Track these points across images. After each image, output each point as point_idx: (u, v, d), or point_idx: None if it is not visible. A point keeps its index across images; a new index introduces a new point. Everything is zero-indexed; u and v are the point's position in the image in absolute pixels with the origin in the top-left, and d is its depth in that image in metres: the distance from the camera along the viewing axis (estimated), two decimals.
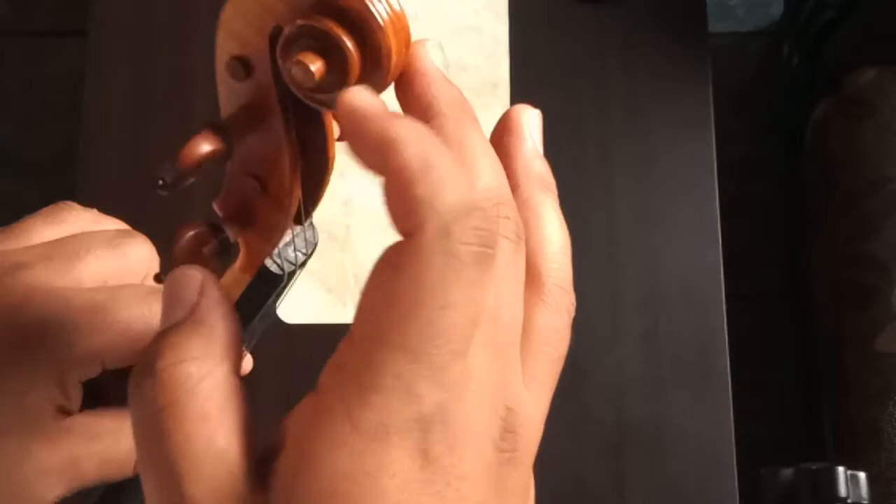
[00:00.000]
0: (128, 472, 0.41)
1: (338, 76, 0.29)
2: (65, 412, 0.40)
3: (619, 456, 0.85)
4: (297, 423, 0.27)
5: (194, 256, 0.33)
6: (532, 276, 0.31)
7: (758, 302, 1.37)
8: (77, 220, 0.44)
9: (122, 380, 0.42)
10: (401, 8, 0.29)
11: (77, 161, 0.92)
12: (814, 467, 0.87)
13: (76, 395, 0.41)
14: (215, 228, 0.34)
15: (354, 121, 0.27)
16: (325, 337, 0.89)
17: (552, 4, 0.95)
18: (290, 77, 0.29)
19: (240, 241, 0.37)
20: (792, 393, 1.29)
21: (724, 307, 0.88)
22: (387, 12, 0.28)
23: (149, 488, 0.27)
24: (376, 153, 0.27)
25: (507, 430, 0.28)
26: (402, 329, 0.26)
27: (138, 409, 0.28)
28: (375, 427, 0.26)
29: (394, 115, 0.27)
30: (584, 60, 0.94)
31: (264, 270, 0.37)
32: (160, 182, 0.31)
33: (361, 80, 0.29)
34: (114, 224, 0.46)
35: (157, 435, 0.27)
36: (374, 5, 0.28)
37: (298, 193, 0.34)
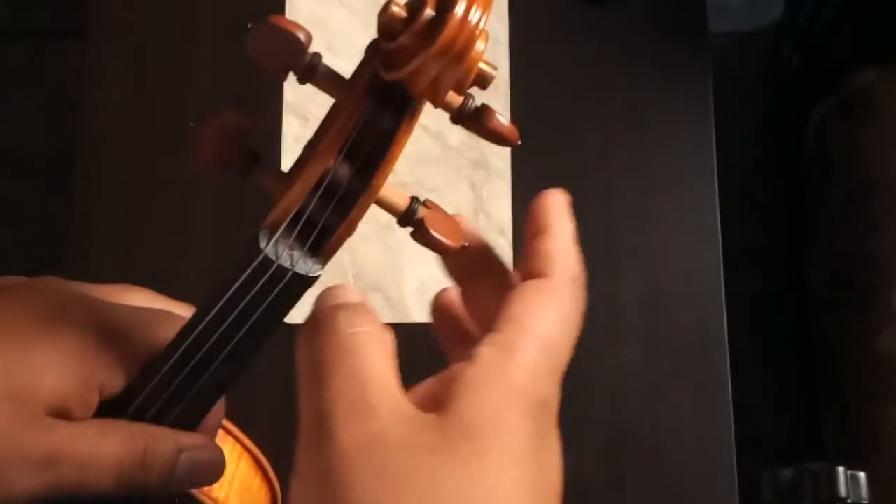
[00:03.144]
0: (104, 485, 0.41)
1: (404, 23, 0.34)
2: (64, 415, 0.40)
3: (619, 456, 0.85)
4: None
5: (227, 136, 0.38)
6: None
7: (758, 302, 1.37)
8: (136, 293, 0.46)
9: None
10: (482, 26, 0.33)
11: (77, 161, 0.92)
12: (814, 467, 0.87)
13: (90, 402, 0.40)
14: (251, 152, 0.38)
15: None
16: None
17: (552, 4, 0.95)
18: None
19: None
20: (792, 393, 1.29)
21: (724, 307, 0.88)
22: (472, 15, 0.33)
23: (328, 398, 0.35)
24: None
25: None
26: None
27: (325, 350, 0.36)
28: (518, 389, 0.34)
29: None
30: (584, 60, 0.94)
31: (255, 251, 0.37)
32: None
33: (415, 39, 0.33)
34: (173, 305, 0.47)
35: (348, 363, 0.35)
36: (471, 6, 0.33)
37: (320, 171, 0.37)
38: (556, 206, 0.39)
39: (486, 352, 0.35)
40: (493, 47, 0.93)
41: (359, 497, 0.32)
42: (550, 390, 0.35)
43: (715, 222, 0.90)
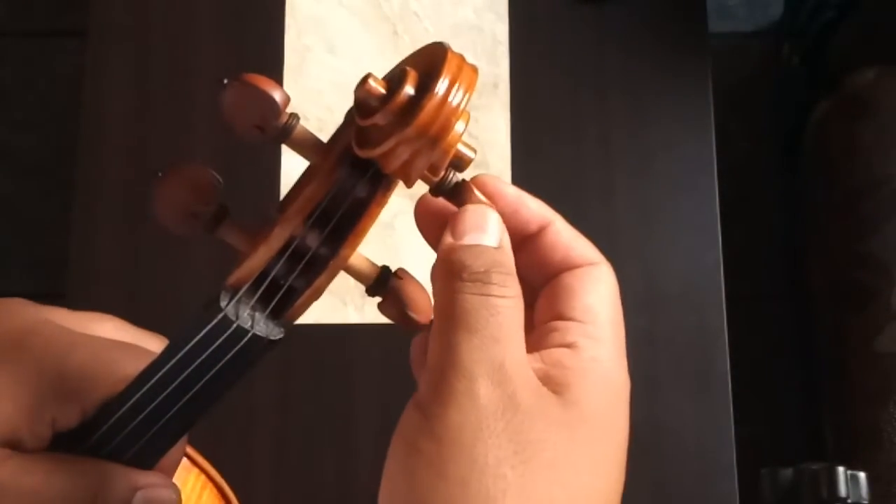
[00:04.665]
0: None
1: (381, 101, 0.32)
2: (14, 446, 0.38)
3: None
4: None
5: (195, 189, 0.36)
6: None
7: (758, 302, 1.37)
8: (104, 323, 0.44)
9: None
10: (462, 108, 0.32)
11: (77, 161, 0.92)
12: (814, 467, 0.86)
13: (41, 434, 0.39)
14: (221, 205, 0.37)
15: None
16: (325, 337, 0.89)
17: (552, 4, 0.95)
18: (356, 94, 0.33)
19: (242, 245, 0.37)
20: (792, 393, 1.29)
21: (724, 307, 0.88)
22: (453, 97, 0.32)
23: (468, 350, 0.35)
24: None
25: None
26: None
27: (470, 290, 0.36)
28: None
29: None
30: (584, 60, 0.94)
31: (215, 310, 0.36)
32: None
33: (391, 118, 0.32)
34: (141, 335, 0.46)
35: (486, 313, 0.36)
36: (452, 87, 0.32)
37: (287, 235, 0.36)
38: (528, 197, 0.40)
39: (585, 344, 0.37)
40: (493, 47, 0.93)
41: (493, 456, 0.34)
42: (626, 375, 0.39)
43: (715, 222, 0.90)
